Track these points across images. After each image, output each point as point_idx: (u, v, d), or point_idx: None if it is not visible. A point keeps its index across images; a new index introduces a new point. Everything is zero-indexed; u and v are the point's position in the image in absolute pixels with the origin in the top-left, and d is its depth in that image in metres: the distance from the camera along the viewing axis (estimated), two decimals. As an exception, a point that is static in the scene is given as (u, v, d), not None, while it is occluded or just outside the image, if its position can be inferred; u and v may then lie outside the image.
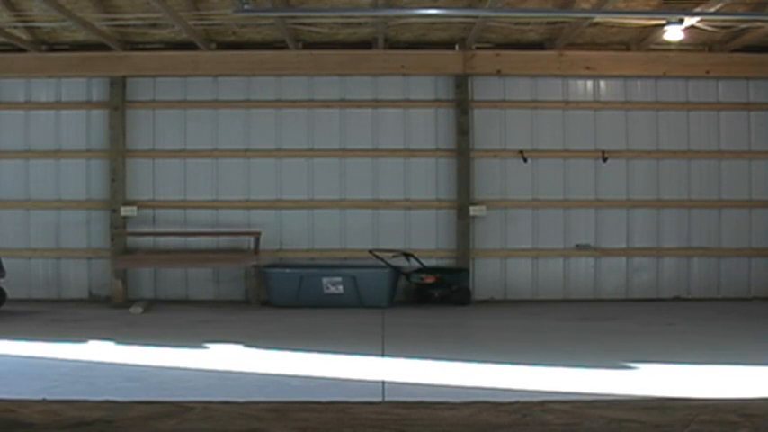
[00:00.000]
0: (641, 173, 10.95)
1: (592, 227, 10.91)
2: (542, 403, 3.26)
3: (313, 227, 10.92)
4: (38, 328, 8.39)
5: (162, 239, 10.85)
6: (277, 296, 10.20)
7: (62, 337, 7.74)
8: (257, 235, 10.54)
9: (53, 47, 10.85)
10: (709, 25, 9.95)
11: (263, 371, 6.14)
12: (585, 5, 9.38)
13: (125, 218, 10.77)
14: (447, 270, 10.62)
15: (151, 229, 10.83)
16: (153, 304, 10.26)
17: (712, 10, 8.90)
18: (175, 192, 10.90)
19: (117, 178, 10.73)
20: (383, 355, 6.78)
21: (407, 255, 10.55)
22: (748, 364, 6.22)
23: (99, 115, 10.86)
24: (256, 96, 10.92)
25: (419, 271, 10.48)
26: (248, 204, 10.91)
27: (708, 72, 10.83)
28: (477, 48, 10.88)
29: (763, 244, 10.89)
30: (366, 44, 10.88)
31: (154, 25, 10.14)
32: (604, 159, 10.80)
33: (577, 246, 10.84)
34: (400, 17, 9.85)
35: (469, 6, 9.53)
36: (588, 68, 10.80)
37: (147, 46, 10.89)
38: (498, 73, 10.84)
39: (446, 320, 9.07)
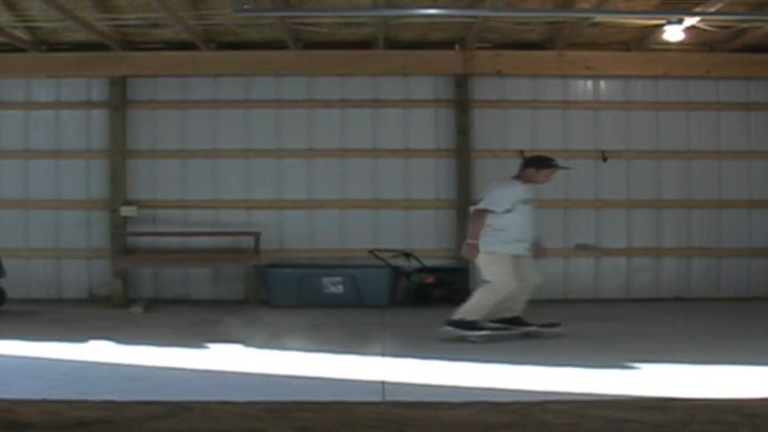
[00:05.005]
0: (641, 173, 10.95)
1: (592, 227, 10.92)
2: (542, 403, 3.26)
3: (313, 227, 10.93)
4: (38, 328, 8.38)
5: (162, 239, 10.85)
6: (277, 296, 10.20)
7: (62, 337, 7.73)
8: (257, 235, 10.53)
9: (53, 47, 10.85)
10: (709, 25, 9.94)
11: (263, 371, 6.14)
12: (585, 5, 9.38)
13: (125, 218, 10.77)
14: (447, 270, 10.61)
15: (151, 229, 10.84)
16: (153, 304, 10.26)
17: (712, 10, 8.90)
18: (175, 192, 10.90)
19: (117, 178, 10.73)
20: (383, 355, 6.78)
21: (407, 255, 10.55)
22: (748, 364, 6.22)
23: (99, 115, 10.86)
24: (256, 96, 10.92)
25: (419, 271, 10.48)
26: (248, 204, 10.91)
27: (708, 72, 10.83)
28: (478, 48, 10.88)
29: (763, 244, 10.89)
30: (366, 44, 10.87)
31: (154, 25, 10.13)
32: (604, 159, 10.80)
33: (577, 246, 10.84)
34: (400, 17, 9.85)
35: (469, 6, 9.53)
36: (588, 68, 10.80)
37: (147, 46, 10.88)
38: (498, 73, 10.84)
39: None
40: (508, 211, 7.49)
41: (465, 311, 7.45)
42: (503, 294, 7.43)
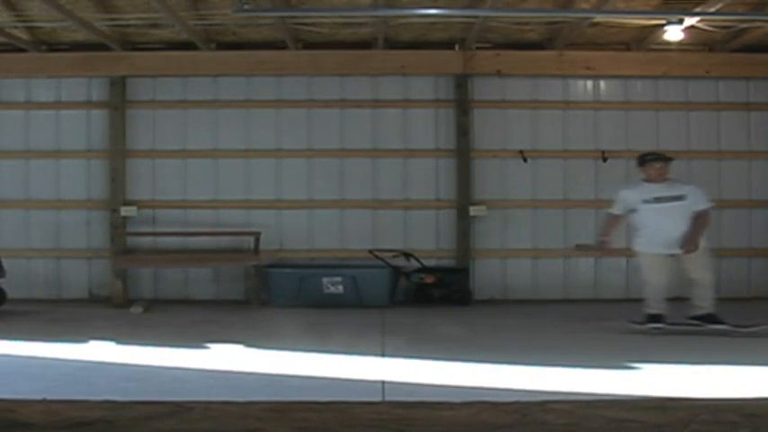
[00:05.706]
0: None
1: (592, 227, 10.88)
2: (542, 403, 3.26)
3: (313, 227, 10.92)
4: (38, 328, 8.39)
5: (162, 239, 10.85)
6: (277, 296, 10.20)
7: (62, 337, 7.73)
8: (257, 235, 10.53)
9: (53, 47, 10.85)
10: (709, 25, 9.95)
11: (263, 371, 6.14)
12: (585, 5, 9.38)
13: (125, 218, 10.77)
14: (447, 270, 10.62)
15: (151, 229, 10.83)
16: (153, 304, 10.26)
17: (712, 10, 8.90)
18: (175, 192, 10.90)
19: (117, 178, 10.73)
20: (383, 355, 6.78)
21: (407, 255, 10.55)
22: (748, 364, 6.22)
23: (99, 115, 10.86)
24: (256, 96, 10.92)
25: (419, 271, 10.48)
26: (248, 204, 10.91)
27: (708, 72, 10.83)
28: (478, 48, 10.88)
29: (763, 244, 10.88)
30: (366, 44, 10.87)
31: (154, 25, 10.14)
32: (604, 159, 10.79)
33: (577, 246, 10.82)
34: (400, 17, 9.86)
35: (469, 6, 9.53)
36: (588, 68, 10.80)
37: (147, 46, 10.88)
38: (498, 73, 10.84)
39: (446, 320, 9.07)
40: (631, 211, 8.08)
41: (645, 306, 8.01)
42: (654, 289, 7.99)
